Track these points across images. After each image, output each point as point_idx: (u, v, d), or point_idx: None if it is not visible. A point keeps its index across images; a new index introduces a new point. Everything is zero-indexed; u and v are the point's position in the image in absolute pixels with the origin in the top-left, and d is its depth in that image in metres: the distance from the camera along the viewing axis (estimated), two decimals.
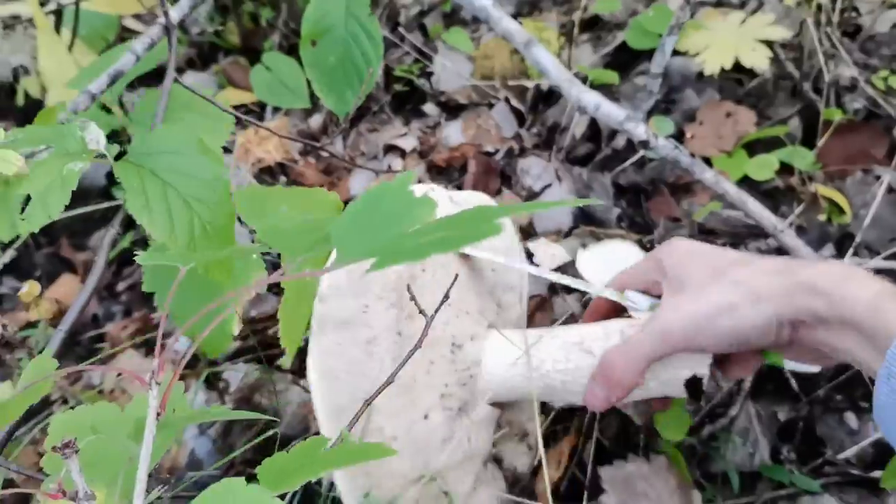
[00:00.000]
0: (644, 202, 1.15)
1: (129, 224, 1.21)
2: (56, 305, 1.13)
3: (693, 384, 0.63)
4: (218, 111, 0.77)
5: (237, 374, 1.00)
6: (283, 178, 1.29)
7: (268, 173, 1.29)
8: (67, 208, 0.58)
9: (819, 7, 1.31)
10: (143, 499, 0.34)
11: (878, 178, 1.10)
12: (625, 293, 0.69)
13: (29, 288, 0.93)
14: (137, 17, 1.47)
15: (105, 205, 1.26)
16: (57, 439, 0.45)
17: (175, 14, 0.83)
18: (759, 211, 0.95)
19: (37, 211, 0.54)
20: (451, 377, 0.67)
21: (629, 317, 0.70)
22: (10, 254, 1.22)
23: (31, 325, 1.13)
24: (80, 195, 1.21)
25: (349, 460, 0.42)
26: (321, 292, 0.61)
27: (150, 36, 0.83)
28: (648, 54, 1.23)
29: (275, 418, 0.67)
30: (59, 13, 1.13)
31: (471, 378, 0.69)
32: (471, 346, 0.69)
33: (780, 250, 0.98)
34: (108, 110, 0.80)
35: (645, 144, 0.98)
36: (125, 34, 1.42)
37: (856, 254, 1.00)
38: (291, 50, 1.47)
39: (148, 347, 1.07)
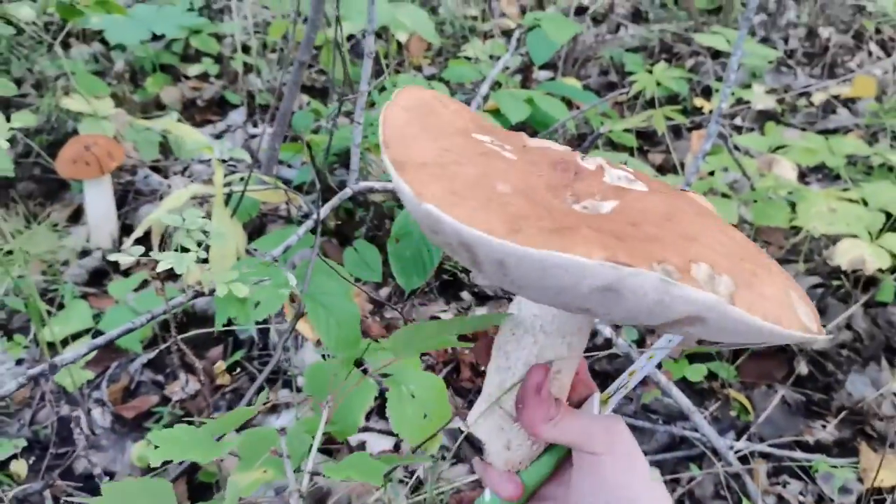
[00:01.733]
0: (609, 384, 1.60)
1: (237, 344, 1.68)
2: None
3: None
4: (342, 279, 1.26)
5: None
6: None
7: None
8: (195, 329, 1.05)
9: None
10: None
11: (776, 392, 1.55)
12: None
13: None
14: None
15: (219, 329, 1.73)
16: None
17: (323, 213, 1.35)
18: (680, 398, 1.39)
19: (262, 311, 1.01)
20: None
21: None
22: (148, 356, 1.68)
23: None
24: (202, 320, 1.69)
25: None
26: None
27: (305, 227, 1.35)
28: None
29: None
30: (229, 196, 1.66)
31: None
32: None
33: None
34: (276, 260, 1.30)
35: (609, 341, 1.44)
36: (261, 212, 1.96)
37: (749, 439, 1.43)
38: (371, 239, 1.99)
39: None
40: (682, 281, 0.43)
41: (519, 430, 0.64)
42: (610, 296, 0.45)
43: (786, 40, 2.89)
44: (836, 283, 1.78)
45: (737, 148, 1.95)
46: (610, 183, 0.53)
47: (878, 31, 2.92)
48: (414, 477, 1.43)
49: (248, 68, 2.67)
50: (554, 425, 0.61)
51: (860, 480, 1.39)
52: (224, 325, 1.67)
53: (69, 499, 1.36)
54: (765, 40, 2.83)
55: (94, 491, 1.39)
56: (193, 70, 2.71)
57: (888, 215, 1.55)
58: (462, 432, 0.66)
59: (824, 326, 1.63)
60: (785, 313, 0.47)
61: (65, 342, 1.59)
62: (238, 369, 1.63)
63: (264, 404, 1.58)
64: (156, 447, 0.74)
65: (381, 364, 1.06)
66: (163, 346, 1.63)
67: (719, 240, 0.50)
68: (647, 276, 0.43)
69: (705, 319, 0.45)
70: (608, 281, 0.43)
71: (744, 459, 1.40)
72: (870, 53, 2.81)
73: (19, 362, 1.64)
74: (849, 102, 2.50)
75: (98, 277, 1.89)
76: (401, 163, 0.49)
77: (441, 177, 0.48)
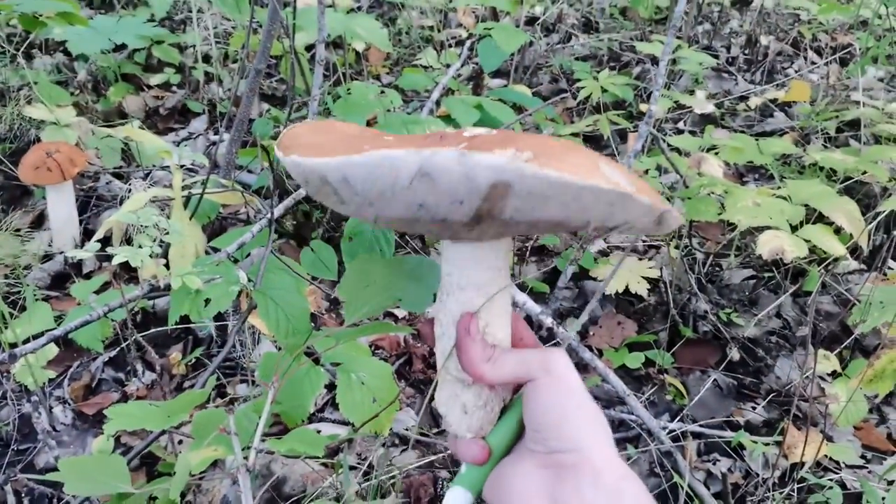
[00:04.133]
0: None
1: (197, 343, 1.74)
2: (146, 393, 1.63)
3: None
4: (295, 275, 1.33)
5: None
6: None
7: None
8: (155, 328, 1.12)
9: (694, 260, 1.92)
10: None
11: (709, 377, 1.64)
12: None
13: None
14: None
15: (181, 327, 1.79)
16: None
17: (277, 212, 1.42)
18: (615, 382, 1.48)
19: (213, 308, 1.08)
20: None
21: None
22: (109, 354, 1.73)
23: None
24: (162, 320, 1.74)
25: None
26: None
27: (259, 225, 1.41)
28: (571, 276, 1.82)
29: None
30: (188, 198, 1.72)
31: None
32: None
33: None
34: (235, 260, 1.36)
35: (550, 331, 1.53)
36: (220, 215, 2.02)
37: (682, 421, 1.53)
38: (328, 240, 2.06)
39: None
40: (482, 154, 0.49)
41: (470, 389, 0.67)
42: (427, 181, 0.51)
43: (728, 48, 3.02)
44: (767, 275, 1.89)
45: (677, 150, 2.05)
46: (469, 135, 0.57)
47: (815, 38, 3.06)
48: (367, 463, 1.50)
49: (209, 78, 2.73)
50: (493, 363, 0.63)
51: (785, 457, 1.49)
52: (183, 324, 1.73)
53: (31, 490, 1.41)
54: (707, 48, 2.95)
55: (55, 485, 1.44)
56: (156, 79, 2.77)
57: (815, 211, 1.66)
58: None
59: (755, 316, 1.74)
60: (586, 171, 0.50)
61: (27, 343, 1.64)
62: (198, 367, 1.69)
63: (221, 398, 1.64)
64: (110, 420, 0.80)
65: (326, 348, 1.14)
66: (124, 345, 1.69)
67: (544, 141, 0.53)
68: (446, 153, 0.49)
69: (511, 185, 0.50)
70: (418, 165, 0.50)
71: (677, 440, 1.49)
72: (806, 60, 2.95)
73: None
74: (786, 106, 2.63)
75: (60, 281, 1.94)
76: (286, 147, 0.58)
77: (312, 144, 0.57)
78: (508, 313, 0.69)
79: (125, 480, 0.88)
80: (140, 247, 1.15)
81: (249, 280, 1.18)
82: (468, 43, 2.44)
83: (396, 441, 1.55)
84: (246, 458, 0.93)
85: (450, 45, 3.00)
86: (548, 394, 0.61)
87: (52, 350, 1.61)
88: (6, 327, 1.61)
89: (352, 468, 1.48)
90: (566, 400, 0.61)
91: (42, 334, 1.65)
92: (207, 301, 1.10)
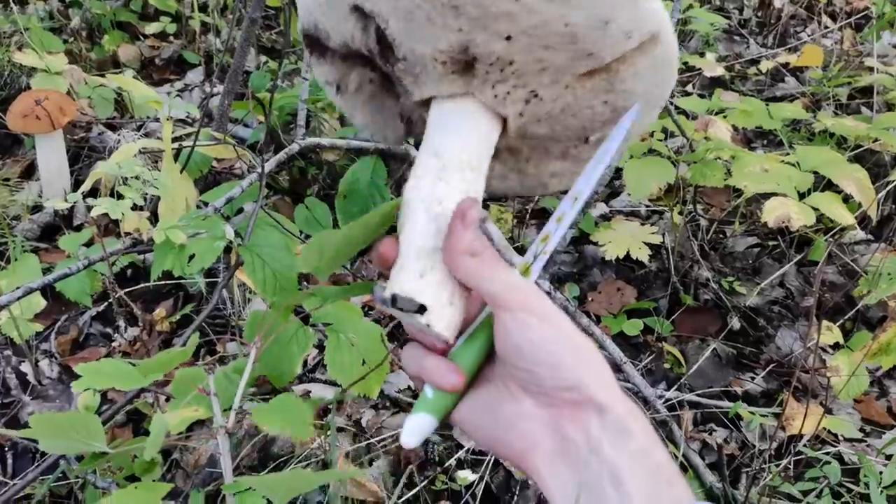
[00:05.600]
0: None
1: (187, 299, 1.71)
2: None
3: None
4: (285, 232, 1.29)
5: None
6: None
7: None
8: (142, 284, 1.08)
9: (697, 227, 1.88)
10: None
11: (708, 345, 1.61)
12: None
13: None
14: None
15: (171, 282, 1.75)
16: None
17: (268, 167, 1.37)
18: (612, 349, 1.44)
19: (197, 263, 1.04)
20: None
21: None
22: (98, 309, 1.70)
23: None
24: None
25: None
26: None
27: (249, 179, 1.37)
28: (571, 240, 1.78)
29: None
30: (178, 151, 1.67)
31: None
32: None
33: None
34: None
35: (548, 294, 1.49)
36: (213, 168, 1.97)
37: (679, 390, 1.49)
38: (324, 197, 2.01)
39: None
40: None
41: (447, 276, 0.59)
42: None
43: (740, 10, 2.93)
44: (772, 243, 1.85)
45: (684, 113, 1.99)
46: None
47: (829, 2, 2.97)
48: (356, 426, 1.47)
49: (206, 28, 2.66)
50: (480, 261, 0.57)
51: (783, 429, 1.46)
52: (173, 279, 1.70)
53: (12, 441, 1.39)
54: (720, 9, 2.87)
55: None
56: (151, 28, 2.70)
57: (823, 179, 1.61)
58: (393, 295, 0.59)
59: (758, 285, 1.70)
60: None
61: None
62: (187, 323, 1.66)
63: (212, 356, 1.61)
64: (80, 377, 0.77)
65: (314, 307, 1.10)
66: (112, 299, 1.65)
67: None
68: None
69: None
70: None
71: (673, 409, 1.46)
72: (820, 24, 2.87)
73: None
74: (797, 71, 2.56)
75: (50, 233, 1.90)
76: None
77: None
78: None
79: (100, 439, 0.84)
80: (122, 198, 1.11)
81: (238, 235, 1.14)
82: None
83: (387, 404, 1.52)
84: (225, 419, 0.90)
85: None
86: (539, 331, 0.56)
87: (40, 303, 1.58)
88: None
89: (340, 430, 1.46)
90: (558, 337, 0.56)
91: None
92: (192, 257, 1.06)
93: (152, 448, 0.84)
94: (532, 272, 0.63)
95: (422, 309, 0.58)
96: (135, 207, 1.11)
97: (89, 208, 1.86)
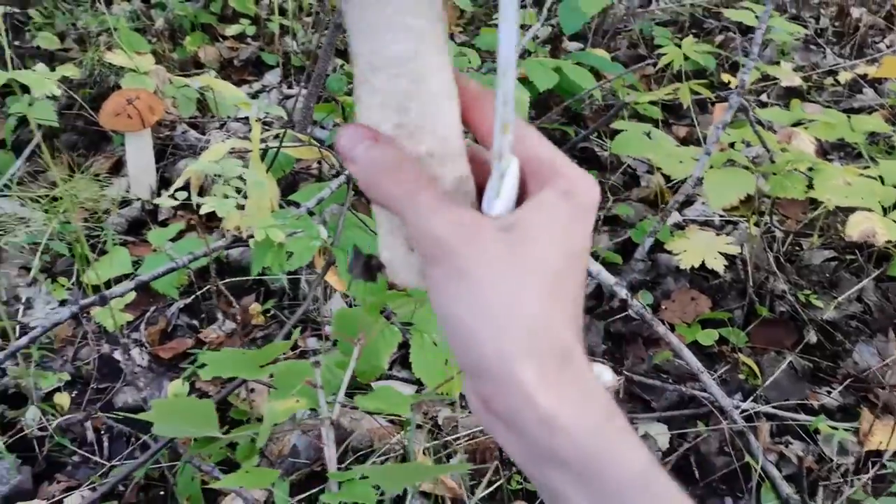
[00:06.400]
0: (624, 345, 1.67)
1: (269, 294, 1.76)
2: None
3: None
4: (371, 232, 1.33)
5: None
6: None
7: None
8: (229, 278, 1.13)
9: (773, 238, 1.87)
10: None
11: (784, 358, 1.60)
12: None
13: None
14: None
15: (253, 278, 1.81)
16: None
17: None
18: (690, 359, 1.45)
19: (295, 261, 1.09)
20: None
21: None
22: (186, 300, 1.77)
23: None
24: (235, 270, 1.77)
25: None
26: None
27: (337, 182, 1.41)
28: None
29: None
30: (265, 151, 1.73)
31: None
32: None
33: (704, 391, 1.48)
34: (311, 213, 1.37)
35: (624, 302, 1.50)
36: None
37: (755, 401, 1.50)
38: None
39: None
40: None
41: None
42: None
43: (816, 19, 2.90)
44: (849, 257, 1.83)
45: (760, 123, 1.98)
46: None
47: None
48: (432, 423, 1.51)
49: (284, 30, 2.73)
50: (367, 149, 0.41)
51: (860, 444, 1.45)
52: (257, 275, 1.76)
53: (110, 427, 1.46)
54: (796, 18, 2.84)
55: (133, 424, 1.48)
56: (231, 30, 2.78)
57: None
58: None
59: (835, 298, 1.68)
60: None
61: (107, 286, 1.68)
62: (270, 318, 1.72)
63: (292, 349, 1.66)
64: (204, 365, 0.81)
65: (403, 310, 1.14)
66: (199, 292, 1.72)
67: None
68: None
69: None
70: None
71: (749, 420, 1.46)
72: None
73: (62, 303, 1.73)
74: (875, 83, 2.51)
75: (137, 227, 1.98)
76: None
77: None
78: (452, 97, 0.43)
79: (213, 426, 0.89)
80: (226, 197, 1.17)
81: (329, 236, 1.19)
82: (548, 3, 2.38)
83: (463, 403, 1.55)
84: (331, 410, 0.94)
85: (526, 6, 2.94)
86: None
87: (131, 294, 1.65)
88: (90, 267, 1.65)
89: (418, 427, 1.49)
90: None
91: (122, 279, 1.70)
92: (290, 255, 1.10)
93: (264, 436, 0.89)
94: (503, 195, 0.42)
95: (379, 266, 0.48)
96: (237, 206, 1.16)
97: (182, 206, 1.92)
